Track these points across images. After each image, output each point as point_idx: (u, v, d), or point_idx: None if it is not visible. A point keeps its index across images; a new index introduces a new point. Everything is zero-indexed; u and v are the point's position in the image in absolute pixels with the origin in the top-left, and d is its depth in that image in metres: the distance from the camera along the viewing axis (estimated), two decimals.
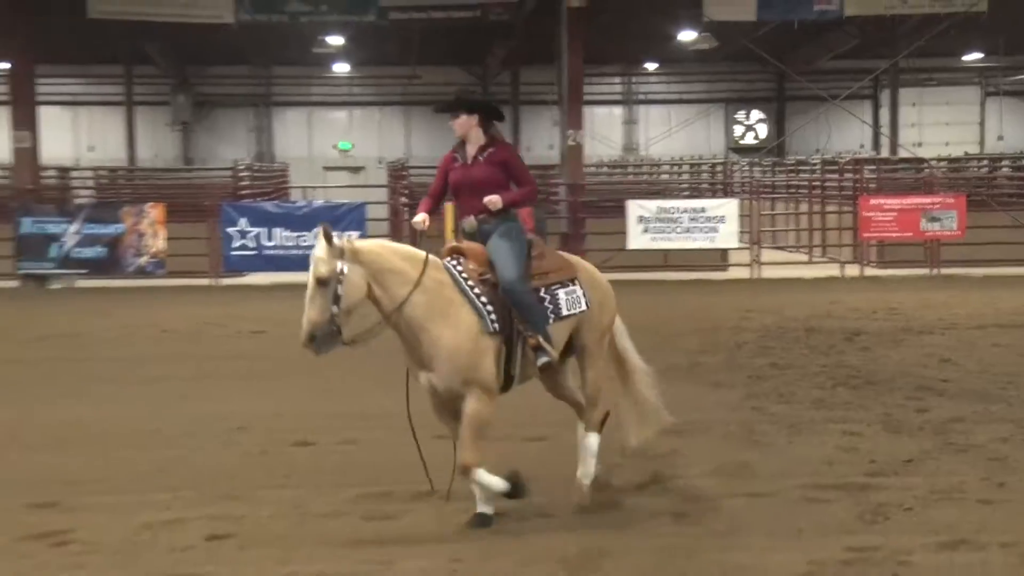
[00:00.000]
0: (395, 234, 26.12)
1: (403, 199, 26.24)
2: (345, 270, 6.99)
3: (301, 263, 23.38)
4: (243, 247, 23.61)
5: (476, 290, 7.20)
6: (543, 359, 7.25)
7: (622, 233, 24.16)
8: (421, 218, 7.49)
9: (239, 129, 40.55)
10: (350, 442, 9.42)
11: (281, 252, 23.48)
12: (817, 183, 29.83)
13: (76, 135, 39.24)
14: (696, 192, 32.08)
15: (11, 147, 25.91)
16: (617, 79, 41.94)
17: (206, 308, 19.20)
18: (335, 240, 7.03)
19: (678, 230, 24.21)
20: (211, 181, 31.39)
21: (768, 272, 24.46)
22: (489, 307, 7.17)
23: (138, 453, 9.22)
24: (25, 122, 25.57)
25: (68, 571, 6.50)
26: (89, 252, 23.67)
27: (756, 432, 9.68)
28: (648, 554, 6.65)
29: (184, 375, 12.86)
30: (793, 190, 31.06)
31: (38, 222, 23.77)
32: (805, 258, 27.27)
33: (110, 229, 23.85)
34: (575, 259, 7.90)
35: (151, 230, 23.85)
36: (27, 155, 25.63)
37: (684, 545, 6.78)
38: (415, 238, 7.52)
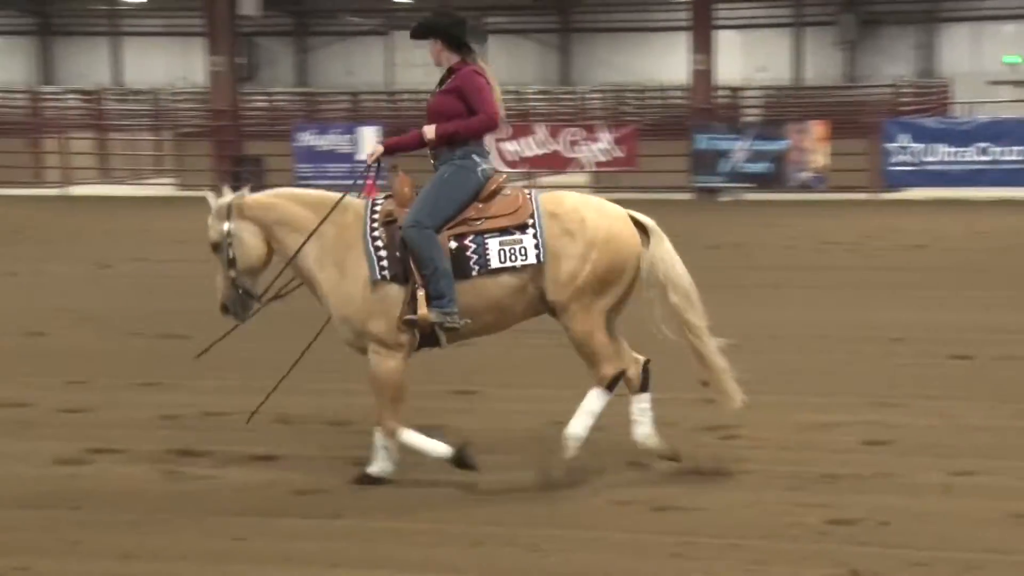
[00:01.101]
0: None
1: None
2: (232, 230, 6.71)
3: (963, 178, 23.49)
4: (904, 162, 24.11)
5: (375, 234, 6.59)
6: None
7: None
8: (371, 149, 6.90)
9: (902, 46, 40.52)
10: (1009, 357, 9.44)
11: (943, 167, 23.73)
12: None
13: (747, 57, 41.20)
14: None
15: (689, 69, 28.01)
16: None
17: (866, 221, 19.77)
18: (219, 200, 6.78)
19: None
20: (872, 98, 31.96)
21: None
22: (381, 252, 6.54)
23: (800, 356, 9.71)
24: (703, 46, 27.45)
25: (735, 463, 6.93)
26: (756, 167, 25.14)
27: None
28: None
29: (844, 285, 13.43)
30: None
31: (711, 139, 25.66)
32: None
33: (776, 145, 25.21)
34: (562, 205, 6.69)
35: (814, 146, 24.97)
36: (703, 77, 27.47)
37: None
38: None
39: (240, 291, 6.76)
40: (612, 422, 7.80)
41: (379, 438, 6.68)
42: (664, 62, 40.13)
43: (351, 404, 8.25)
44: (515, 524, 6.08)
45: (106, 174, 30.52)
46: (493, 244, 6.57)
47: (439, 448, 6.69)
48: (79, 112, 32.66)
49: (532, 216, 6.61)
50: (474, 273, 6.57)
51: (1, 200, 25.09)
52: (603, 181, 26.56)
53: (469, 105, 6.70)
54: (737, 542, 5.77)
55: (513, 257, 6.57)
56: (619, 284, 6.70)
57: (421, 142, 6.82)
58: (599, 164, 26.10)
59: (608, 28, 43.03)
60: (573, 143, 26.04)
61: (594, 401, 6.72)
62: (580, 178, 26.91)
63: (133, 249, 17.14)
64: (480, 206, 6.66)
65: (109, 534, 5.98)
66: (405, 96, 34.64)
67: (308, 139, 26.90)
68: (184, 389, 8.83)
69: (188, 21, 39.30)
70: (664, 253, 6.81)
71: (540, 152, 26.26)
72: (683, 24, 32.12)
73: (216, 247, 6.76)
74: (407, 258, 6.51)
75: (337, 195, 6.82)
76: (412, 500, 6.46)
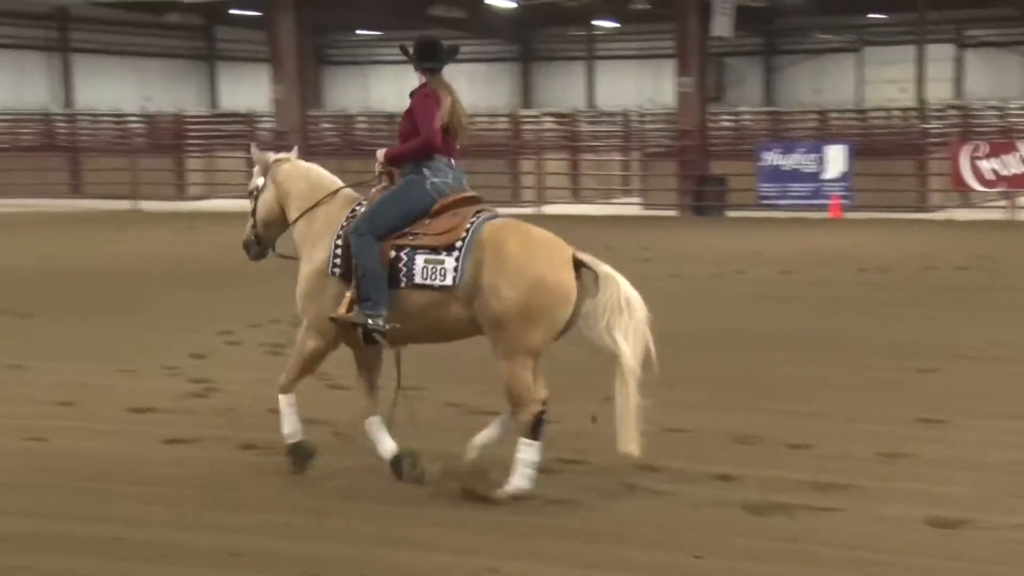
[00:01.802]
0: None
1: None
2: (260, 186, 7.55)
3: None
4: None
5: (341, 232, 7.03)
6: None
7: None
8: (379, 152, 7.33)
9: None
10: None
11: None
12: None
13: None
14: None
15: None
16: None
17: None
18: (264, 156, 7.58)
19: None
20: None
21: None
22: (338, 250, 7.00)
23: None
24: None
25: None
26: None
27: None
28: None
29: None
30: None
31: None
32: None
33: None
34: (500, 236, 6.73)
35: None
36: None
37: None
38: None
39: (254, 237, 7.67)
40: None
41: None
42: None
43: (813, 426, 8.12)
44: (980, 560, 5.77)
45: (577, 194, 31.75)
46: (420, 261, 6.83)
47: (291, 424, 7.21)
48: (554, 134, 34.13)
49: (461, 240, 6.76)
50: (402, 285, 6.86)
51: None
52: None
53: (416, 126, 7.07)
54: None
55: (433, 276, 6.79)
56: (538, 325, 6.66)
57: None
58: None
59: None
60: None
61: (524, 451, 6.72)
62: None
63: None
64: (428, 222, 6.93)
65: (572, 542, 6.17)
66: (876, 113, 33.73)
67: (772, 158, 26.76)
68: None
69: (659, 44, 40.21)
70: (614, 299, 6.76)
71: (1023, 171, 24.79)
72: None
73: (250, 193, 7.69)
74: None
75: (337, 182, 7.43)
76: (870, 530, 6.27)
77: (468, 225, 6.83)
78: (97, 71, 43.69)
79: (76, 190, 33.67)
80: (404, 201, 7.00)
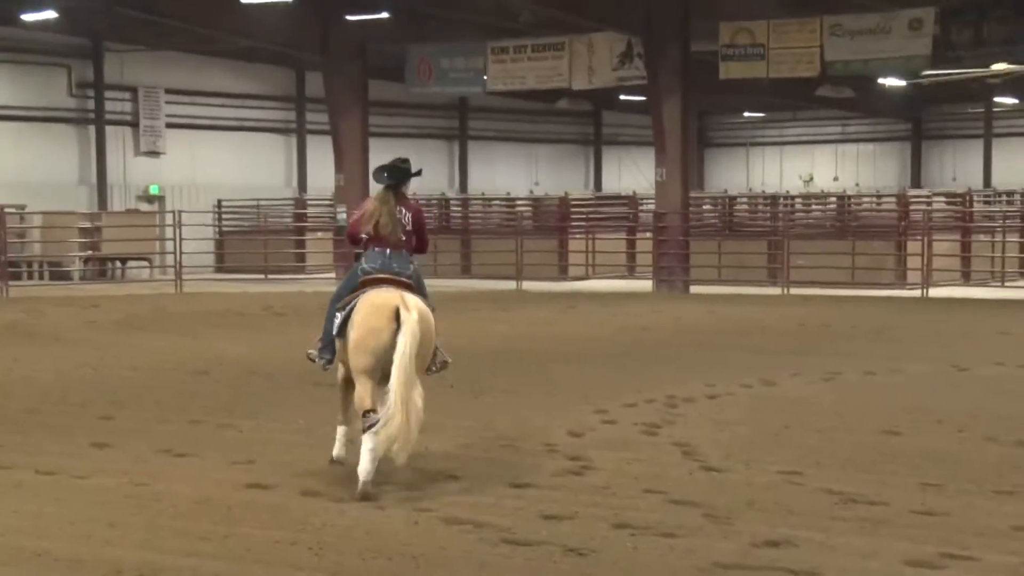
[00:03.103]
0: None
1: None
2: None
3: None
4: None
5: None
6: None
7: None
8: None
9: None
10: None
11: None
12: None
13: None
14: None
15: None
16: None
17: None
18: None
19: None
20: None
21: None
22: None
23: None
24: None
25: None
26: None
27: None
28: None
29: None
30: None
31: None
32: None
33: None
34: (375, 298, 8.89)
35: None
36: None
37: None
38: None
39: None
40: None
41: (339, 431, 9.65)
42: None
43: None
44: None
45: (967, 276, 30.43)
46: (337, 316, 9.18)
47: (337, 448, 9.63)
48: (944, 214, 32.86)
49: (351, 304, 9.03)
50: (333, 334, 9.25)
51: (865, 300, 25.92)
52: None
53: None
54: None
55: (341, 329, 9.10)
56: (361, 355, 8.84)
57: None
58: None
59: None
60: None
61: (368, 443, 8.59)
62: None
63: (992, 352, 16.81)
64: (356, 292, 9.12)
65: None
66: None
67: None
68: None
69: None
70: (401, 339, 8.59)
71: None
72: None
73: None
74: None
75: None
76: None
77: (360, 295, 9.03)
78: (490, 157, 45.82)
79: (466, 271, 35.26)
80: (347, 280, 9.45)
